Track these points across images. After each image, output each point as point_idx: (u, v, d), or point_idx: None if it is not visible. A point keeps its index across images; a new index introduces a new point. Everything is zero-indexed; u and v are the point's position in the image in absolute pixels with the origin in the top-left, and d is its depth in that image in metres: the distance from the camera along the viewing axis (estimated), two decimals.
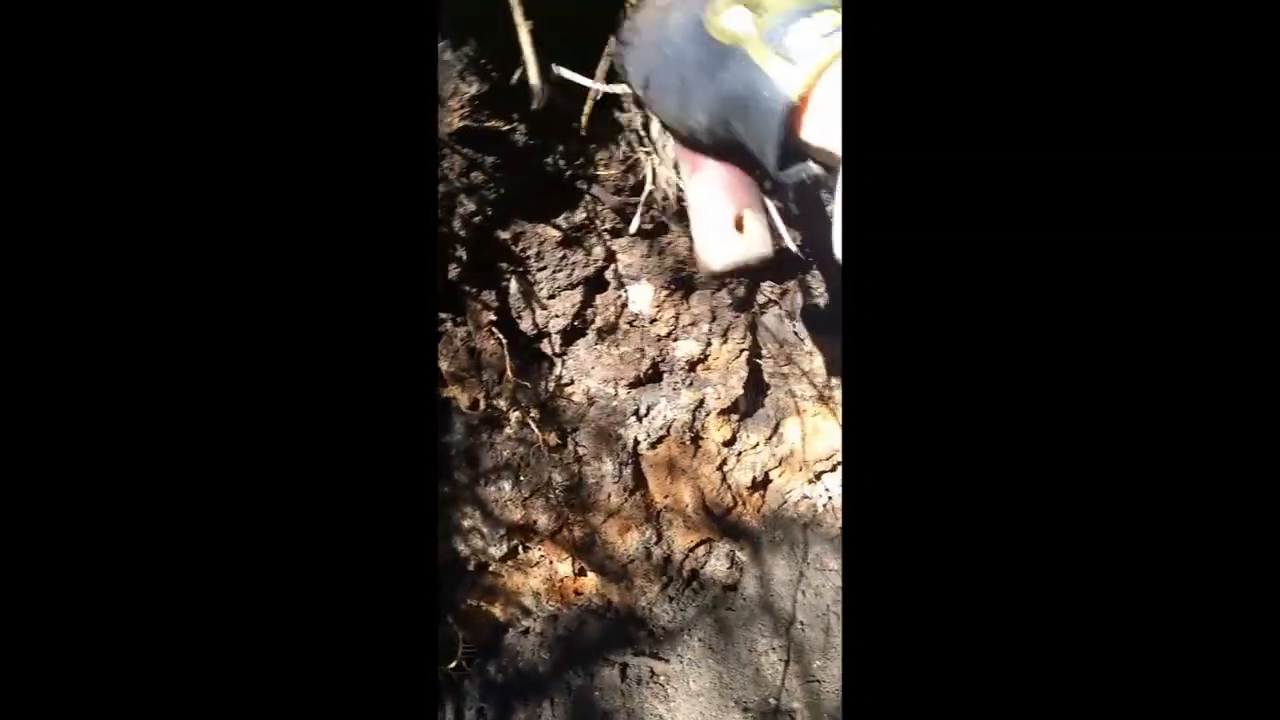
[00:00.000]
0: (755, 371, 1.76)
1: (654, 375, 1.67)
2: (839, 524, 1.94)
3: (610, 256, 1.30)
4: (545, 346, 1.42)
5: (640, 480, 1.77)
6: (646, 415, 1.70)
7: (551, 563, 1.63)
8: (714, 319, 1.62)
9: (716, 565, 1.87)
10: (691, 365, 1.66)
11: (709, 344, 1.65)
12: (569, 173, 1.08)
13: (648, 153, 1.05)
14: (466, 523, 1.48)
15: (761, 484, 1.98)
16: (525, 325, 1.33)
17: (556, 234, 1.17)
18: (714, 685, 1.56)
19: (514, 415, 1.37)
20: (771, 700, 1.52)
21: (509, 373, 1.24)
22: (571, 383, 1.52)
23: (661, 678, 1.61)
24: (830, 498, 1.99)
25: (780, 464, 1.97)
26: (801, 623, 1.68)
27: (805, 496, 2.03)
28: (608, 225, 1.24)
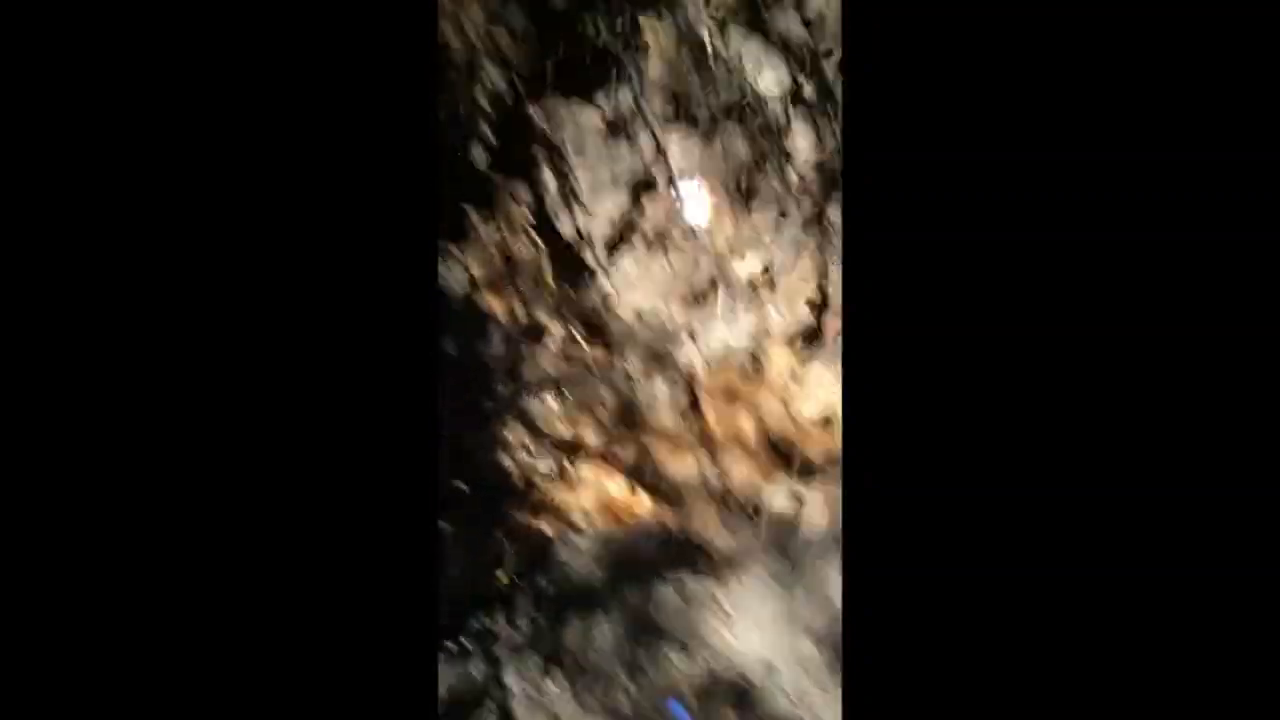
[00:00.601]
0: (826, 295, 1.58)
1: (710, 294, 1.54)
2: None
3: (660, 150, 1.17)
4: (587, 256, 1.32)
5: (696, 405, 1.67)
6: (702, 338, 1.58)
7: (602, 480, 1.59)
8: (779, 231, 1.45)
9: (778, 499, 1.77)
10: (753, 284, 1.51)
11: (773, 260, 1.48)
12: (608, 39, 0.94)
13: (715, 17, 0.88)
14: (511, 437, 1.45)
15: (829, 421, 1.82)
16: (565, 229, 1.24)
17: (597, 118, 1.05)
18: (780, 614, 1.48)
19: (556, 329, 1.30)
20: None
21: (549, 281, 1.16)
22: (618, 297, 1.42)
23: (725, 604, 1.55)
24: None
25: None
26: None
27: None
28: (656, 109, 1.10)
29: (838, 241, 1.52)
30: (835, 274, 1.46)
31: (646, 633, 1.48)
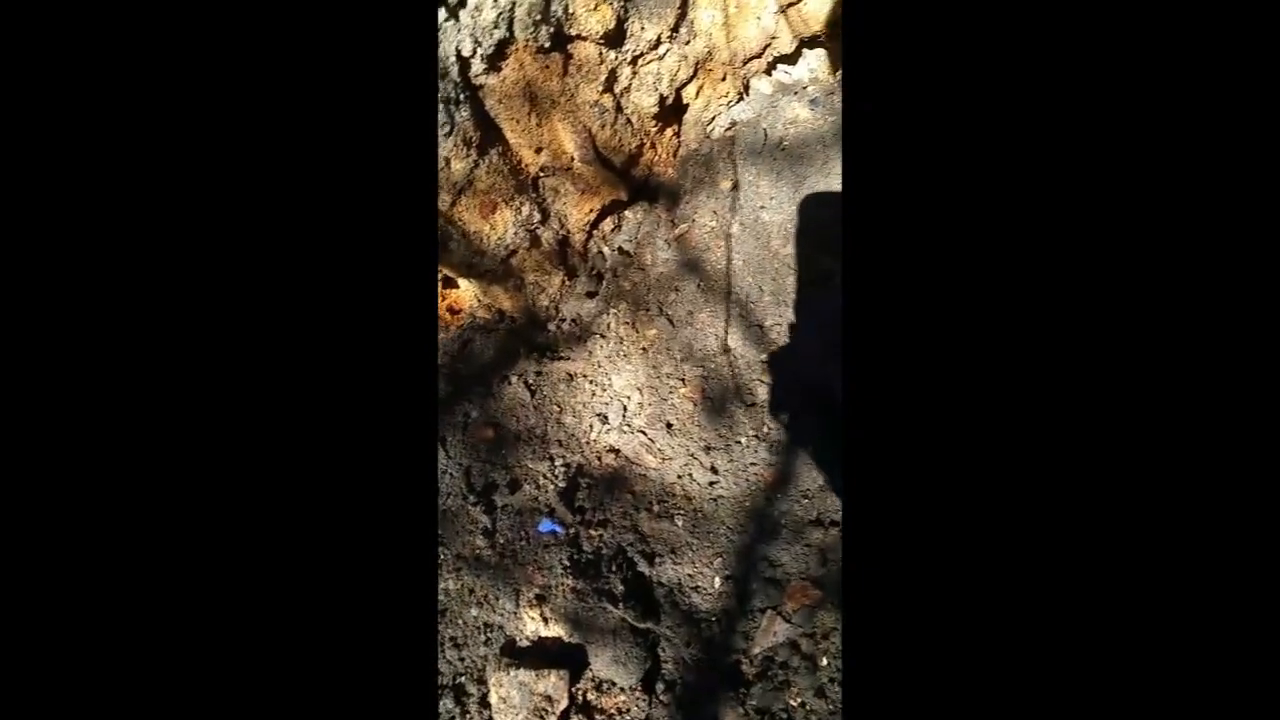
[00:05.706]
0: None
1: None
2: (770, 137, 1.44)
3: None
4: None
5: (488, 126, 1.15)
6: (465, 5, 0.99)
7: None
8: None
9: (628, 235, 1.41)
10: None
11: None
12: None
13: None
14: None
15: (673, 110, 1.40)
16: None
17: None
18: (649, 363, 1.22)
19: None
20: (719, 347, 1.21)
21: None
22: None
23: (582, 378, 1.26)
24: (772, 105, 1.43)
25: (695, 73, 1.35)
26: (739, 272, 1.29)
27: (734, 122, 1.49)
28: None
29: None
30: None
31: (500, 445, 1.18)
